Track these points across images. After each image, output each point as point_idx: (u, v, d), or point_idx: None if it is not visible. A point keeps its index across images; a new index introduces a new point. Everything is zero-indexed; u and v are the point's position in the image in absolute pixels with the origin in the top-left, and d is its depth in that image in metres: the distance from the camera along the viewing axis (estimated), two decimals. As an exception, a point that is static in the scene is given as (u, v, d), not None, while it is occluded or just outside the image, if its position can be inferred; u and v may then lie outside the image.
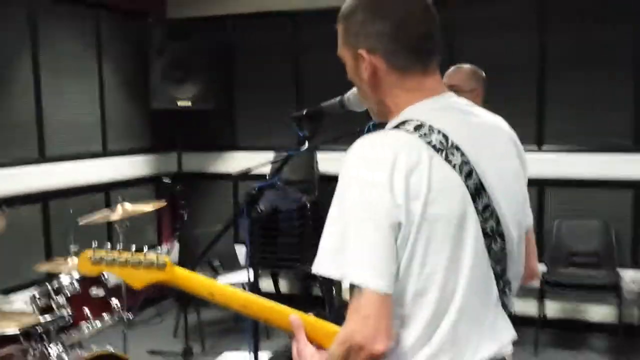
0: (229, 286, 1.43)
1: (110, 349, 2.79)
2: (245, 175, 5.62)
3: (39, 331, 2.65)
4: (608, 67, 4.45)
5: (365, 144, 1.23)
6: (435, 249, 1.20)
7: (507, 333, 1.33)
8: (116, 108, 5.10)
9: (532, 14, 4.63)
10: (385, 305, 1.16)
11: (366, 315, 1.15)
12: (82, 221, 3.39)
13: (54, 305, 2.77)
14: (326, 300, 4.52)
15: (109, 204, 5.00)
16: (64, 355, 2.66)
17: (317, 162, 5.13)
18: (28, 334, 2.69)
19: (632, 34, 4.40)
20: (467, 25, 4.72)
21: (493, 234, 1.27)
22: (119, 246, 1.42)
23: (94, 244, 1.42)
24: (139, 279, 1.40)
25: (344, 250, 1.16)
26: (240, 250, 5.12)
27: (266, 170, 5.24)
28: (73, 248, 3.31)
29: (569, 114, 4.49)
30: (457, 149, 1.24)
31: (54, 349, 2.64)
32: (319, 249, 1.20)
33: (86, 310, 2.84)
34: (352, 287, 1.17)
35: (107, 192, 5.02)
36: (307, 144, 1.96)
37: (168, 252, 5.38)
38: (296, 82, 5.33)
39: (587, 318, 4.63)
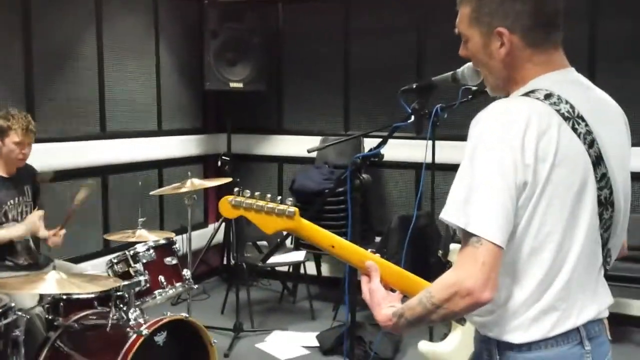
0: (347, 241, 1.53)
1: (184, 315, 2.90)
2: (290, 159, 5.76)
3: (119, 295, 2.77)
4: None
5: (498, 106, 1.32)
6: (556, 210, 1.28)
7: (607, 298, 1.42)
8: (171, 88, 5.22)
9: (582, 5, 4.63)
10: (499, 257, 1.24)
11: (483, 263, 1.22)
12: (153, 192, 3.51)
13: (131, 271, 2.89)
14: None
15: (161, 181, 5.14)
16: (140, 319, 2.77)
17: (364, 147, 5.20)
18: (108, 297, 2.82)
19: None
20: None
21: (605, 203, 1.35)
22: (248, 193, 1.51)
23: (235, 190, 1.52)
24: (271, 225, 1.49)
25: (470, 202, 1.25)
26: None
27: (313, 153, 5.36)
28: (141, 219, 3.43)
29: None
30: (582, 119, 1.32)
31: (132, 313, 2.76)
32: (448, 199, 1.29)
33: (161, 277, 2.96)
34: (469, 236, 1.25)
35: (160, 169, 5.14)
36: (413, 117, 2.03)
37: (215, 232, 5.49)
38: (345, 67, 5.39)
39: (630, 312, 4.67)
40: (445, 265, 4.22)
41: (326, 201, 5.00)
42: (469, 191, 1.26)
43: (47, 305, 2.86)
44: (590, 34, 4.62)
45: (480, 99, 2.99)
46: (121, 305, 2.78)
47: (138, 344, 2.58)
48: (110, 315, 2.72)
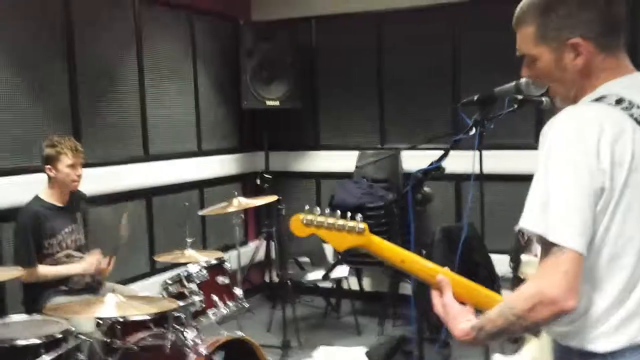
0: (417, 256, 1.52)
1: (240, 334, 2.91)
2: (327, 175, 5.76)
3: (176, 316, 2.79)
4: None
5: (572, 113, 1.32)
6: (635, 215, 1.27)
7: None
8: (209, 108, 5.29)
9: None
10: (581, 265, 1.23)
11: (565, 271, 1.22)
12: (202, 212, 3.54)
13: (186, 292, 2.92)
14: (415, 295, 4.56)
15: (202, 201, 5.19)
16: (198, 339, 2.79)
17: (401, 161, 5.19)
18: (164, 318, 2.85)
19: None
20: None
21: None
22: (318, 210, 1.52)
23: (306, 207, 1.53)
24: (342, 242, 1.50)
25: (548, 210, 1.24)
26: (329, 248, 5.22)
27: (351, 168, 5.37)
28: (189, 239, 3.46)
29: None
30: None
31: (190, 334, 2.78)
32: (526, 207, 1.29)
33: (214, 297, 2.98)
34: (549, 245, 1.24)
35: (201, 189, 5.20)
36: (474, 129, 2.03)
37: (257, 250, 5.51)
38: (378, 82, 5.40)
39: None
40: (494, 281, 4.18)
41: (365, 215, 5.01)
42: (546, 199, 1.25)
43: (103, 328, 2.90)
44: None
45: (523, 108, 2.99)
46: (178, 326, 2.80)
47: (198, 364, 2.60)
48: (168, 337, 2.74)
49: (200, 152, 5.19)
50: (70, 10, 4.01)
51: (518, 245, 1.50)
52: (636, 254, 1.28)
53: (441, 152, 2.22)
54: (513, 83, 1.79)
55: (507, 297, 1.33)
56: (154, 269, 4.67)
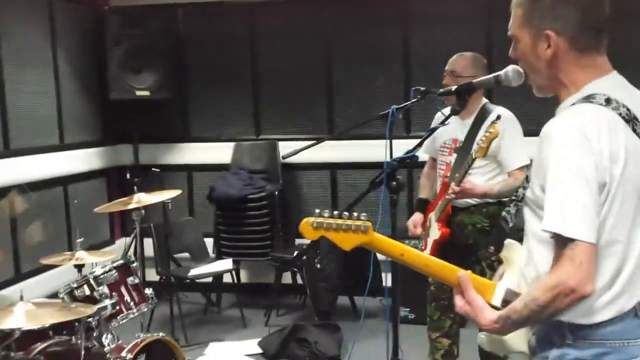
0: (414, 249, 1.58)
1: (161, 334, 2.77)
2: (200, 167, 5.63)
3: (93, 322, 2.59)
4: None
5: (569, 115, 1.44)
6: (628, 205, 1.43)
7: None
8: (72, 99, 4.90)
9: None
10: (594, 253, 1.38)
11: (580, 262, 1.36)
12: (98, 209, 3.30)
13: (96, 295, 2.71)
14: (308, 285, 4.64)
15: (66, 198, 4.81)
16: (113, 345, 2.61)
17: (279, 151, 5.22)
18: (65, 326, 2.62)
19: None
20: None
21: None
22: (327, 213, 1.51)
23: (316, 211, 1.51)
24: (348, 241, 1.52)
25: (564, 209, 1.37)
26: (209, 242, 5.11)
27: (226, 160, 5.29)
28: (80, 240, 3.21)
29: None
30: (637, 120, 1.47)
31: (106, 339, 2.59)
32: (546, 210, 1.40)
33: (126, 298, 2.81)
34: (564, 240, 1.37)
35: (65, 185, 4.81)
36: (450, 119, 2.11)
37: (128, 248, 5.22)
38: (252, 70, 5.36)
39: None
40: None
41: (247, 207, 4.99)
42: (562, 199, 1.37)
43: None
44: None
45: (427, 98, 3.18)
46: (96, 332, 2.60)
47: (124, 370, 2.43)
48: (81, 344, 2.52)
49: (63, 146, 4.80)
50: None
51: (500, 230, 1.60)
52: (625, 241, 1.44)
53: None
54: (493, 75, 1.88)
55: (530, 290, 1.44)
56: (19, 275, 4.26)
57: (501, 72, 1.84)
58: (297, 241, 5.23)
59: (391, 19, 5.08)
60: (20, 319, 2.28)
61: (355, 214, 1.51)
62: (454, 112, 2.10)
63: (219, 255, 5.03)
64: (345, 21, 5.15)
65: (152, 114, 5.36)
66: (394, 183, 2.01)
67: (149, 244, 4.71)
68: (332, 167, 5.26)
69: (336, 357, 4.01)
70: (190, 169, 5.51)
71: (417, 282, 3.27)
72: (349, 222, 1.51)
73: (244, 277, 5.47)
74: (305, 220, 1.51)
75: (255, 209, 4.93)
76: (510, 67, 1.80)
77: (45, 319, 2.33)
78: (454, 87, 2.05)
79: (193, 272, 4.62)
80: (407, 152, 2.14)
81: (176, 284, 4.56)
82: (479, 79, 1.96)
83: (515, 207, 1.57)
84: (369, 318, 4.64)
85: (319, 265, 4.54)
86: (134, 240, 5.12)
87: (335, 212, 1.52)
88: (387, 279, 2.82)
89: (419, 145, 2.21)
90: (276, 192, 5.02)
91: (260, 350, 4.16)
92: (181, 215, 5.23)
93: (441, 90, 2.24)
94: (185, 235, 4.96)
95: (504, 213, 1.59)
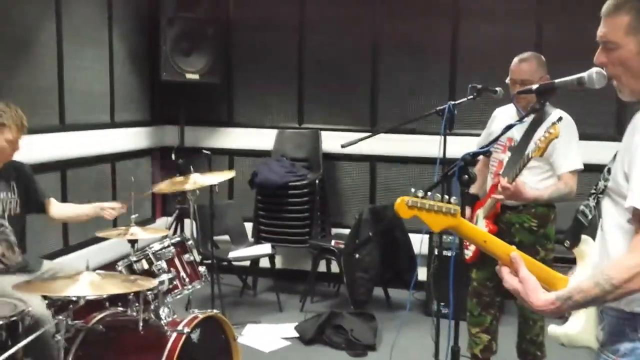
0: (497, 238, 1.63)
1: (215, 311, 2.86)
2: (242, 152, 5.70)
3: (150, 295, 2.68)
4: None
5: None
6: None
7: None
8: (124, 79, 5.01)
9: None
10: None
11: None
12: (154, 189, 3.40)
13: (154, 270, 2.81)
14: (346, 274, 4.70)
15: (114, 174, 4.93)
16: (170, 318, 2.70)
17: (321, 140, 5.28)
18: (120, 297, 2.72)
19: None
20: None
21: None
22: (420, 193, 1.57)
23: (412, 190, 1.57)
24: (438, 223, 1.58)
25: None
26: (249, 227, 5.20)
27: (268, 146, 5.37)
28: (134, 216, 3.30)
29: None
30: None
31: (163, 312, 2.69)
32: (631, 189, 1.45)
33: (182, 274, 2.90)
34: None
35: (113, 162, 4.93)
36: (530, 116, 2.14)
37: (169, 227, 5.34)
38: (299, 58, 5.41)
39: None
40: (411, 257, 4.40)
41: (288, 194, 5.06)
42: None
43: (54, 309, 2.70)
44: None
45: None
46: (148, 305, 2.69)
47: (181, 342, 2.52)
48: (140, 316, 2.62)
49: (113, 124, 4.91)
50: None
51: (579, 225, 1.64)
52: None
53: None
54: (575, 76, 1.90)
55: (603, 269, 1.47)
56: (68, 247, 4.39)
57: (584, 74, 1.85)
58: (334, 231, 5.30)
59: (441, 12, 5.10)
60: (85, 288, 2.37)
61: (446, 196, 1.57)
62: (532, 112, 2.13)
63: (257, 240, 5.11)
64: (394, 13, 5.17)
65: (199, 97, 5.46)
66: (466, 176, 2.05)
67: (187, 224, 4.81)
68: (372, 160, 5.30)
69: (372, 346, 4.07)
70: (232, 154, 5.60)
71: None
72: (441, 204, 1.57)
73: (278, 262, 5.54)
74: (400, 198, 1.57)
75: (296, 197, 5.00)
76: (595, 70, 1.82)
77: (109, 289, 2.41)
78: (534, 87, 2.06)
79: (232, 254, 4.71)
80: (482, 147, 2.18)
81: (215, 265, 4.65)
82: (561, 80, 1.97)
83: (595, 200, 1.61)
84: (398, 310, 4.72)
85: (357, 256, 4.60)
86: (176, 221, 5.26)
87: (429, 193, 1.57)
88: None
89: (494, 141, 2.25)
90: (317, 181, 5.08)
91: (296, 335, 4.24)
92: (222, 199, 5.33)
93: (521, 89, 2.27)
94: (226, 218, 5.06)
95: (582, 207, 1.63)
